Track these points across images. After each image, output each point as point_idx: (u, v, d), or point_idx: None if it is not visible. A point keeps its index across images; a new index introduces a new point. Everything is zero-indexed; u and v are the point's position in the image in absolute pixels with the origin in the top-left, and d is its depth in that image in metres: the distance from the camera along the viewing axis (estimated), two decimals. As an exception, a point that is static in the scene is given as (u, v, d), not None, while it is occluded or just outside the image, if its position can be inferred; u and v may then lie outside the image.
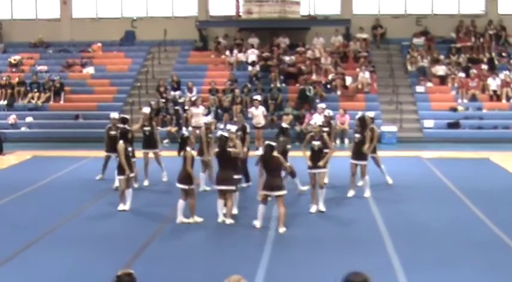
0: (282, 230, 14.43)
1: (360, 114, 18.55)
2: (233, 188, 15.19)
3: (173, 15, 37.95)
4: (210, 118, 16.66)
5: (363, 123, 17.98)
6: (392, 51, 35.19)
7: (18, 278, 11.72)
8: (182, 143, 15.25)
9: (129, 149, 16.48)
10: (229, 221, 14.97)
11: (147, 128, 19.66)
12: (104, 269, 11.92)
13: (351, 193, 17.91)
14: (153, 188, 19.11)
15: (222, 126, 28.51)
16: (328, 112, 20.40)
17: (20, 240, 13.80)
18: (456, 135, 29.42)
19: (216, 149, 15.44)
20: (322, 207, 16.17)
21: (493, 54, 34.02)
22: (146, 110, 20.85)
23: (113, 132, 19.08)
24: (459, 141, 28.54)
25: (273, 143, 14.79)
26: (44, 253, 13.08)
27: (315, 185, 16.21)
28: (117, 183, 18.39)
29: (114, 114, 20.07)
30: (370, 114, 18.89)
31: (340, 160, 19.60)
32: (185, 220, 15.14)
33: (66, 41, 38.11)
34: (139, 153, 19.13)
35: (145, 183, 19.48)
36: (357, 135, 17.94)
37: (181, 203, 15.16)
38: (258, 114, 27.33)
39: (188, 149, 15.16)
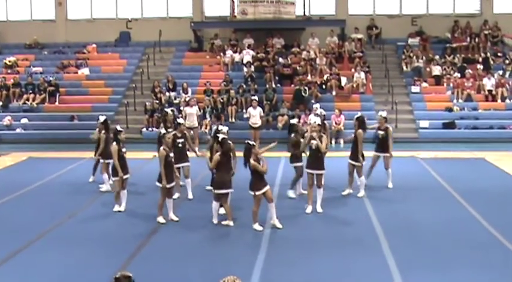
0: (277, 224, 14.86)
1: (358, 114, 18.47)
2: (231, 190, 15.12)
3: (168, 16, 37.96)
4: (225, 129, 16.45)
5: (360, 124, 17.97)
6: (388, 51, 35.20)
7: (14, 280, 11.68)
8: (158, 142, 15.48)
9: (123, 150, 16.45)
10: (227, 222, 14.94)
11: (169, 130, 19.61)
12: (100, 270, 11.95)
13: (346, 191, 17.93)
14: (148, 189, 19.06)
15: (220, 127, 28.51)
16: (321, 111, 20.39)
17: (16, 242, 13.77)
18: (452, 135, 29.43)
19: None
20: (319, 208, 16.16)
21: (488, 54, 34.06)
22: (169, 111, 20.88)
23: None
24: (455, 141, 28.56)
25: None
26: (40, 254, 13.06)
27: (312, 185, 16.20)
28: (104, 187, 18.77)
29: (103, 118, 19.89)
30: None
31: (336, 160, 19.59)
32: (161, 220, 15.27)
33: (61, 42, 38.10)
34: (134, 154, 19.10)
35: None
36: (353, 136, 17.97)
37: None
38: (256, 114, 27.33)
39: (162, 148, 15.24)
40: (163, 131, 16.36)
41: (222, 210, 15.92)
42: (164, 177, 15.14)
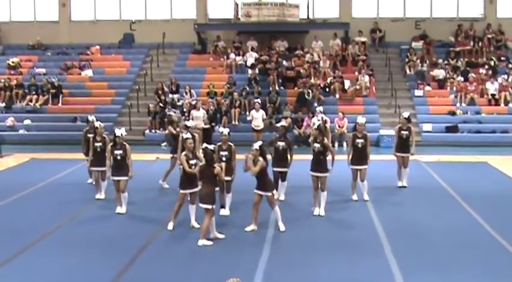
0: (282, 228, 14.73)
1: (362, 119, 18.21)
2: (212, 207, 13.92)
3: (172, 18, 37.99)
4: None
5: (364, 128, 17.90)
6: (391, 54, 35.21)
7: (16, 281, 11.66)
8: (182, 145, 15.48)
9: (118, 152, 16.38)
10: (202, 242, 13.77)
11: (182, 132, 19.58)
12: (102, 272, 11.92)
13: (355, 197, 17.91)
14: (150, 192, 19.08)
15: (221, 129, 28.52)
16: (322, 116, 20.33)
17: (17, 243, 13.75)
18: (454, 139, 29.44)
19: (200, 163, 14.39)
20: (322, 212, 16.13)
21: (494, 58, 33.96)
22: (175, 115, 20.84)
23: (90, 135, 19.04)
24: (457, 145, 28.57)
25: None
26: (41, 256, 13.04)
27: (317, 188, 16.18)
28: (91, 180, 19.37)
29: (93, 117, 19.86)
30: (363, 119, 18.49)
31: (339, 163, 19.53)
32: (169, 227, 15.04)
33: (65, 44, 38.11)
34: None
35: (165, 185, 19.55)
36: (360, 141, 17.76)
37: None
38: (258, 117, 27.31)
39: (183, 153, 15.06)
40: (186, 135, 15.87)
41: (222, 212, 15.97)
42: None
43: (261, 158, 14.54)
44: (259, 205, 14.82)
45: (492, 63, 33.45)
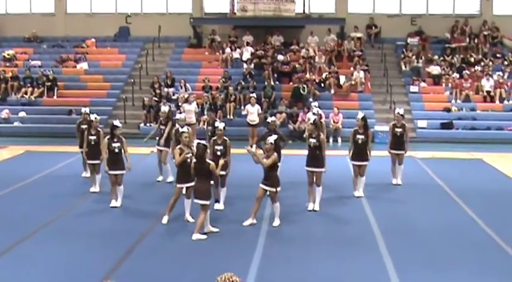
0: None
1: (360, 114, 18.13)
2: (209, 202, 14.03)
3: (167, 12, 37.91)
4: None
5: (365, 123, 17.83)
6: (387, 50, 35.18)
7: (10, 273, 11.63)
8: (176, 139, 15.38)
9: (116, 145, 16.37)
10: (196, 236, 13.80)
11: (163, 127, 19.56)
12: (96, 265, 11.91)
13: (357, 193, 17.83)
14: (145, 185, 19.08)
15: (216, 123, 28.45)
16: (317, 110, 20.28)
17: (12, 236, 13.73)
18: (449, 135, 29.45)
19: (194, 160, 14.14)
20: (316, 207, 16.14)
21: (480, 56, 34.00)
22: (165, 109, 20.82)
23: (83, 126, 19.05)
24: (452, 141, 28.59)
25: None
26: (36, 248, 13.02)
27: (312, 183, 16.18)
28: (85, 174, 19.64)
29: (86, 109, 19.93)
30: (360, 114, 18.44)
31: (334, 159, 19.58)
32: (164, 220, 15.01)
33: (60, 36, 38.01)
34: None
35: (159, 178, 19.66)
36: (360, 137, 17.67)
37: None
38: (254, 111, 27.26)
39: (178, 147, 15.04)
40: (182, 129, 15.83)
41: (217, 206, 15.97)
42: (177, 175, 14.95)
43: (275, 153, 14.55)
44: (262, 200, 14.82)
45: (473, 59, 33.49)
